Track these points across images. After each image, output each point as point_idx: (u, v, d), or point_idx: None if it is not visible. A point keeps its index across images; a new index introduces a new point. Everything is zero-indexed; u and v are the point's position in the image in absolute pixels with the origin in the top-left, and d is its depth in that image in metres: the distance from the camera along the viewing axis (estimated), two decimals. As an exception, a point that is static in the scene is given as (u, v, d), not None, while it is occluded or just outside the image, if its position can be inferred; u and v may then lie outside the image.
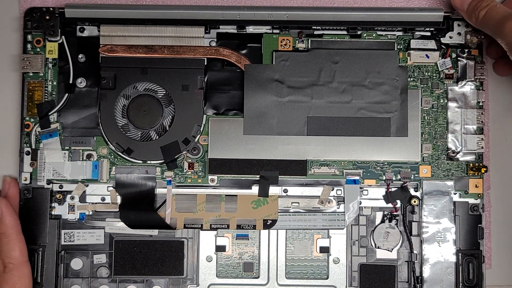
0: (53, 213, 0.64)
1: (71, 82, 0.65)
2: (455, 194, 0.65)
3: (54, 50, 0.65)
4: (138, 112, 0.64)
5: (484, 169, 0.64)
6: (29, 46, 0.65)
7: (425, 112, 0.65)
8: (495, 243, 0.67)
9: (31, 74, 0.65)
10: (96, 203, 0.65)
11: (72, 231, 0.64)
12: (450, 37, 0.65)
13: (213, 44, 0.65)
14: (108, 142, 0.64)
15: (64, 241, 0.64)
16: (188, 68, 0.64)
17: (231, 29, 0.65)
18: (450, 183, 0.65)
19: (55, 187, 0.64)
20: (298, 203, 0.65)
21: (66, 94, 0.65)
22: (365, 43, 0.65)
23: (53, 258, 0.64)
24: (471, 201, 0.65)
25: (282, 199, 0.65)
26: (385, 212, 0.65)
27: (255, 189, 0.65)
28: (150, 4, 0.66)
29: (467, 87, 0.65)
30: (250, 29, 0.65)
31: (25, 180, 0.64)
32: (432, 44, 0.65)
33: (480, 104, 0.65)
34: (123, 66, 0.64)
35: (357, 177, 0.65)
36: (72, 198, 0.64)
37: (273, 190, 0.65)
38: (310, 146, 0.64)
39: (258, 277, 0.65)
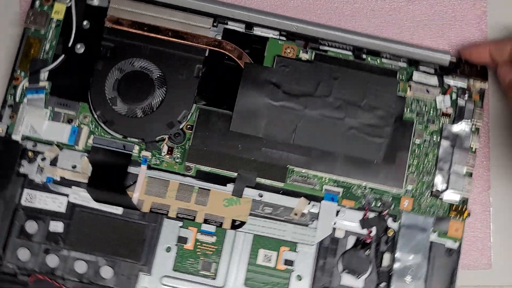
0: (20, 170, 0.62)
1: (70, 45, 0.64)
2: (433, 232, 0.62)
3: (61, 11, 0.65)
4: (129, 87, 0.63)
5: (467, 213, 0.62)
6: (37, 3, 0.65)
7: (416, 145, 0.64)
8: (495, 243, 0.65)
9: (33, 31, 0.64)
10: (66, 169, 0.62)
11: (35, 192, 0.62)
12: (454, 78, 0.65)
13: (219, 36, 0.65)
14: (93, 110, 0.63)
15: (25, 201, 0.62)
16: (188, 55, 0.64)
17: (239, 28, 0.65)
18: (430, 220, 0.62)
19: (29, 145, 0.63)
20: (271, 210, 0.62)
21: (63, 55, 0.64)
22: (368, 66, 0.65)
23: (9, 215, 0.61)
24: (449, 243, 0.62)
25: (256, 203, 0.62)
26: (359, 238, 0.62)
27: (230, 187, 0.62)
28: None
29: (463, 129, 0.64)
30: (258, 32, 0.65)
31: (1, 131, 0.62)
32: (434, 80, 0.65)
33: (473, 149, 0.64)
34: (125, 40, 0.64)
35: (336, 194, 0.62)
36: (43, 159, 0.62)
37: (248, 192, 0.62)
38: (294, 154, 0.63)
39: (215, 279, 0.61)
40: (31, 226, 0.62)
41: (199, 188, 0.62)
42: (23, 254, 0.61)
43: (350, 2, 0.68)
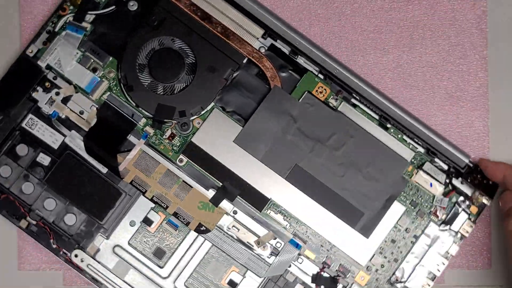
0: (33, 95, 0.64)
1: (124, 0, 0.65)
2: (374, 316, 0.63)
3: (129, -36, 0.65)
4: (160, 62, 0.64)
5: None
6: None
7: (397, 229, 0.64)
8: (495, 243, 0.66)
9: (96, -29, 0.65)
10: (73, 112, 0.64)
11: (38, 121, 0.64)
12: (461, 183, 0.64)
13: (263, 50, 0.65)
14: (119, 69, 0.64)
15: (25, 125, 0.64)
16: (227, 56, 0.64)
17: (284, 49, 0.65)
18: (377, 303, 0.64)
19: (50, 75, 0.64)
20: (238, 230, 0.64)
21: (114, 6, 0.65)
22: (386, 137, 0.64)
23: (6, 132, 0.64)
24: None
25: (227, 218, 0.64)
26: (305, 290, 0.64)
27: (210, 193, 0.64)
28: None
29: (446, 235, 0.64)
30: (300, 60, 0.65)
31: (31, 52, 0.64)
32: (442, 177, 0.64)
33: (448, 256, 0.64)
34: (176, 16, 0.64)
35: (302, 243, 0.64)
36: (57, 94, 0.64)
37: (225, 204, 0.64)
38: (281, 189, 0.64)
39: (162, 268, 0.64)
40: (21, 149, 0.64)
41: (183, 181, 0.64)
42: (4, 171, 0.64)
43: (350, 2, 0.68)
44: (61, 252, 0.63)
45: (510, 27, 0.68)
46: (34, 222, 0.64)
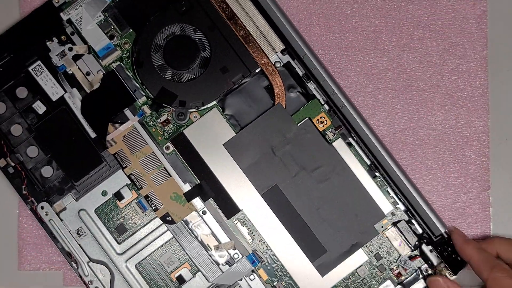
0: (47, 43, 0.65)
1: (160, -23, 0.65)
2: None
3: None
4: (176, 48, 0.65)
5: None
6: None
7: (354, 277, 0.64)
8: None
9: None
10: (80, 70, 0.65)
11: (45, 70, 0.65)
12: (430, 251, 0.64)
13: (278, 65, 0.65)
14: (135, 43, 0.65)
15: (31, 69, 0.65)
16: (241, 61, 0.64)
17: (299, 70, 0.65)
18: None
19: (68, 30, 0.65)
20: (202, 230, 0.64)
21: (148, -18, 0.65)
22: (371, 184, 0.64)
23: (11, 70, 0.65)
24: None
25: (195, 215, 0.64)
26: (248, 306, 0.64)
27: (186, 187, 0.64)
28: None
29: (400, 298, 0.64)
30: (311, 85, 0.65)
31: (57, 2, 0.65)
32: (413, 239, 0.64)
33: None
34: (204, 8, 0.65)
35: (258, 262, 0.64)
36: (70, 49, 0.65)
37: (197, 203, 0.64)
38: (254, 204, 0.64)
39: (119, 244, 0.65)
40: (21, 92, 0.65)
41: (164, 168, 0.65)
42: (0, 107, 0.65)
43: (350, 2, 0.68)
44: (29, 200, 0.64)
45: (510, 27, 0.68)
46: (13, 164, 0.65)
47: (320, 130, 0.64)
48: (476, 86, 0.67)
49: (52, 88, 0.65)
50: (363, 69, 0.67)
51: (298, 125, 0.64)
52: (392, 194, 0.64)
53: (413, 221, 0.64)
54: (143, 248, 0.65)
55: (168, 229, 0.64)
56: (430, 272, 0.64)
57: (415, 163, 0.67)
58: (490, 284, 0.59)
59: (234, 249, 0.64)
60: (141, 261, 0.65)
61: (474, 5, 0.67)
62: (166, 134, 0.65)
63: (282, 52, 0.65)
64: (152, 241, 0.65)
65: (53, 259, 0.67)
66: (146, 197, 0.64)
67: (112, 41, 0.65)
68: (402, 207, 0.64)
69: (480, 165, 0.67)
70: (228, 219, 0.64)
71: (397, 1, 0.68)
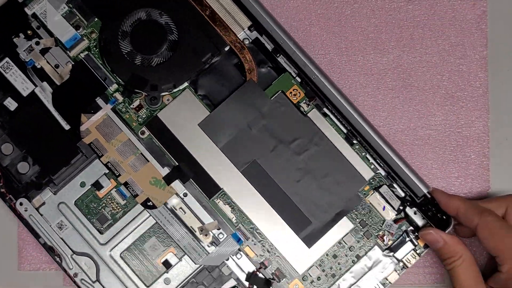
0: (14, 40, 0.65)
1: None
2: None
3: None
4: (143, 33, 0.64)
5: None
6: None
7: (341, 245, 0.64)
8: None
9: None
10: (49, 64, 0.65)
11: (13, 66, 0.65)
12: (415, 213, 0.63)
13: (246, 42, 0.65)
14: (102, 31, 0.65)
15: (0, 67, 0.64)
16: (209, 40, 0.64)
17: (268, 45, 0.65)
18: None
19: (34, 24, 0.65)
20: (185, 213, 0.64)
21: (109, -31, 0.65)
22: (350, 152, 0.64)
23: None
24: None
25: (176, 198, 0.64)
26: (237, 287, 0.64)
27: (165, 171, 0.64)
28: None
29: (388, 261, 0.63)
30: (281, 59, 0.65)
31: (20, -3, 0.65)
32: (396, 203, 0.64)
33: (385, 283, 0.63)
34: (168, -9, 0.65)
35: (244, 239, 0.63)
36: (37, 43, 0.65)
37: (177, 185, 0.64)
38: (234, 182, 0.64)
39: (102, 234, 0.64)
40: (-10, 90, 0.65)
41: (141, 154, 0.64)
42: (-30, 106, 0.65)
43: (350, 2, 0.68)
44: (7, 198, 0.64)
45: (510, 27, 0.68)
46: (-13, 163, 0.64)
47: (294, 102, 0.64)
48: (476, 86, 0.67)
49: (22, 84, 0.65)
50: (363, 69, 0.67)
51: (271, 99, 0.64)
52: (371, 160, 0.64)
53: (395, 185, 0.64)
54: (127, 236, 0.64)
55: (150, 215, 0.64)
56: (416, 234, 0.63)
57: (415, 163, 0.67)
58: (481, 228, 0.59)
59: (218, 229, 0.64)
60: (126, 249, 0.64)
61: (474, 5, 0.68)
62: (140, 119, 0.65)
63: (249, 28, 0.65)
64: (135, 229, 0.64)
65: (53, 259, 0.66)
66: (125, 184, 0.64)
67: (78, 31, 0.65)
68: (382, 172, 0.64)
69: (480, 165, 0.67)
70: (209, 199, 0.64)
71: (397, 1, 0.68)
